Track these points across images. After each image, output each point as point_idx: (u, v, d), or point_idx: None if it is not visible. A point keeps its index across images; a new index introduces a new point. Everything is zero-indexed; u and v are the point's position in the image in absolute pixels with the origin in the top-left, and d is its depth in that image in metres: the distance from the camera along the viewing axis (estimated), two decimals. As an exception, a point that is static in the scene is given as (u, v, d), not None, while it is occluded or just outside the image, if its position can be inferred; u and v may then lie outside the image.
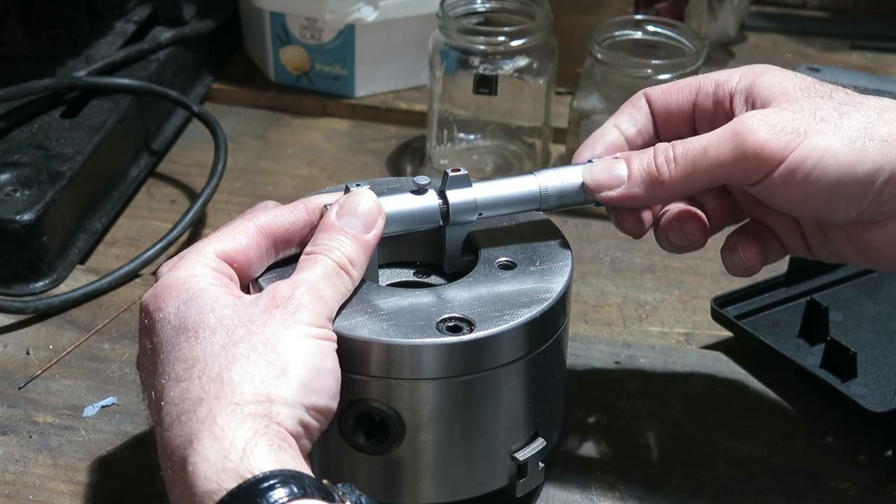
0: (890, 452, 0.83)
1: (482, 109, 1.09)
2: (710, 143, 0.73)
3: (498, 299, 0.73)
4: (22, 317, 0.94)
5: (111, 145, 1.05)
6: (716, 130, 0.73)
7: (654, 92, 0.79)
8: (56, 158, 1.01)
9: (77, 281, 0.98)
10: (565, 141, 1.08)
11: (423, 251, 0.80)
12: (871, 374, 0.87)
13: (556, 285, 0.75)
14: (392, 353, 0.70)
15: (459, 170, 0.75)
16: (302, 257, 0.71)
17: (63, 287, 0.97)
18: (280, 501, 0.60)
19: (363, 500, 0.64)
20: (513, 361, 0.73)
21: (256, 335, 0.66)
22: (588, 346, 0.92)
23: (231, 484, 0.61)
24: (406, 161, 1.13)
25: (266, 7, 1.18)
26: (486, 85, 1.04)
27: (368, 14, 1.16)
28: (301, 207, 0.74)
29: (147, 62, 1.14)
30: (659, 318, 0.95)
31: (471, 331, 0.71)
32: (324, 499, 0.61)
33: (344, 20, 1.16)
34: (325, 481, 0.63)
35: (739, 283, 0.96)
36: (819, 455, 0.84)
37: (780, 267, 0.96)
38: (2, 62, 1.12)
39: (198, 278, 0.69)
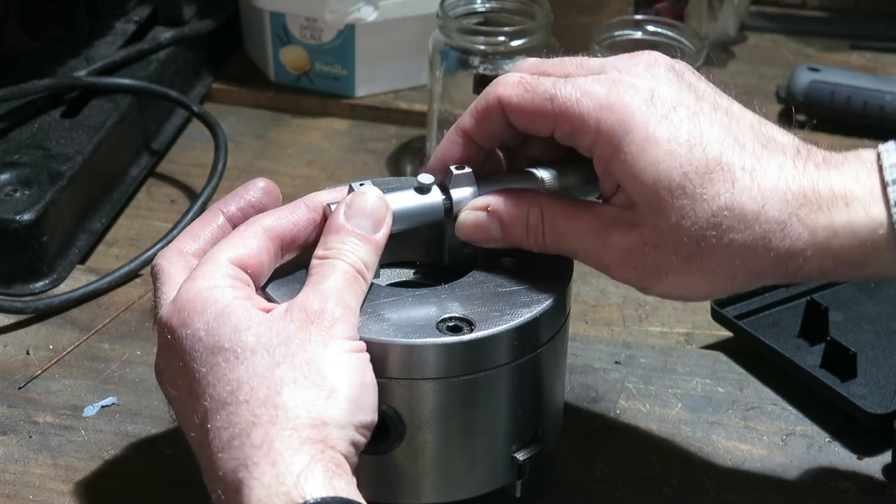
0: (890, 452, 0.83)
1: (482, 109, 1.09)
2: (581, 248, 0.73)
3: (498, 299, 0.73)
4: (22, 317, 0.94)
5: (111, 145, 1.05)
6: (585, 233, 0.73)
7: (511, 109, 0.74)
8: (56, 158, 1.01)
9: (77, 281, 0.98)
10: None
11: (424, 251, 0.80)
12: (871, 374, 0.87)
13: (556, 285, 0.75)
14: (392, 353, 0.70)
15: (464, 167, 0.75)
16: (314, 262, 0.71)
17: (63, 287, 0.97)
18: None
19: None
20: (513, 361, 0.73)
21: (298, 355, 0.66)
22: (588, 346, 0.92)
23: None
24: (406, 161, 1.13)
25: (266, 7, 1.18)
26: (485, 85, 1.04)
27: (368, 14, 1.16)
28: (302, 207, 0.74)
29: (147, 62, 1.14)
30: (659, 318, 0.95)
31: (471, 331, 0.71)
32: None
33: (344, 20, 1.16)
34: None
35: (739, 283, 0.96)
36: (819, 455, 0.84)
37: (780, 267, 0.96)
38: (2, 62, 1.12)
39: (221, 290, 0.68)
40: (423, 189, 0.75)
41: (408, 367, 0.71)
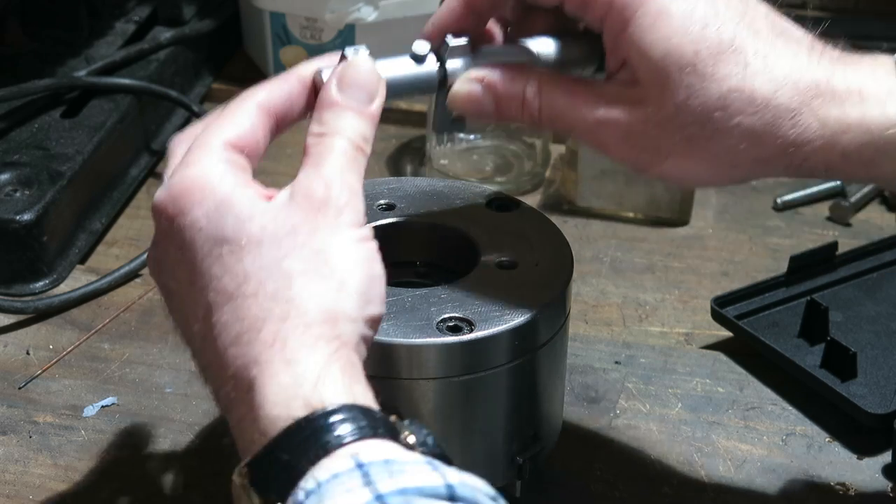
0: (890, 452, 0.83)
1: (482, 109, 1.09)
2: (578, 125, 0.70)
3: (498, 299, 0.73)
4: (22, 317, 0.94)
5: (111, 145, 1.05)
6: (584, 110, 0.70)
7: None
8: (56, 158, 1.01)
9: (77, 281, 0.98)
10: (565, 140, 1.08)
11: (423, 251, 0.80)
12: (871, 374, 0.87)
13: (556, 285, 0.75)
14: (392, 353, 0.70)
15: (461, 37, 0.72)
16: (310, 139, 0.67)
17: (63, 287, 0.97)
18: (346, 439, 0.57)
19: (429, 441, 0.61)
20: (512, 361, 0.73)
21: (306, 246, 0.63)
22: (588, 346, 0.92)
23: (299, 413, 0.58)
24: (406, 161, 1.13)
25: (266, 7, 1.18)
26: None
27: (368, 14, 1.16)
28: (294, 79, 0.71)
29: (147, 62, 1.14)
30: (659, 318, 0.95)
31: (471, 331, 0.71)
32: (390, 438, 0.59)
33: (344, 20, 1.16)
34: (392, 418, 0.61)
35: (739, 283, 0.96)
36: (819, 455, 0.84)
37: (780, 267, 0.96)
38: (2, 62, 1.12)
39: (220, 178, 0.64)
40: (417, 58, 0.72)
41: (407, 367, 0.71)
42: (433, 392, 0.71)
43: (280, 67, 1.20)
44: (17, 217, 0.95)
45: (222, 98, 1.20)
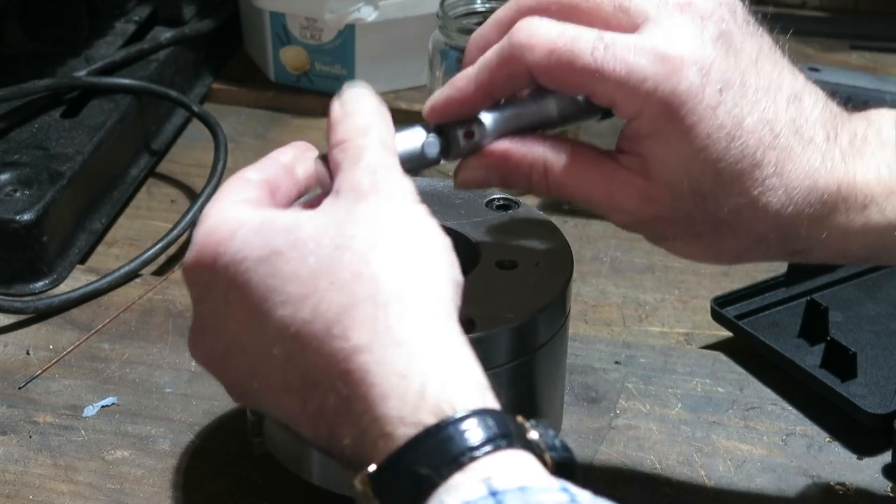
0: (890, 452, 0.83)
1: (482, 109, 1.09)
2: (587, 203, 0.71)
3: (498, 299, 0.73)
4: (22, 317, 0.94)
5: (111, 145, 1.05)
6: (593, 193, 0.70)
7: (542, 76, 0.68)
8: (56, 158, 1.01)
9: (77, 281, 0.98)
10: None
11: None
12: (871, 374, 0.87)
13: (556, 285, 0.75)
14: (392, 353, 0.70)
15: (472, 134, 0.69)
16: (334, 152, 0.63)
17: (63, 287, 0.97)
18: (479, 453, 0.54)
19: (557, 443, 0.57)
20: (512, 361, 0.73)
21: (370, 222, 0.59)
22: (588, 346, 0.92)
23: (428, 419, 0.55)
24: (406, 161, 1.13)
25: (266, 7, 1.18)
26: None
27: (368, 14, 1.16)
28: (273, 162, 0.68)
29: (147, 62, 1.14)
30: (659, 318, 0.95)
31: (470, 331, 0.71)
32: (521, 446, 0.55)
33: (344, 20, 1.16)
34: (518, 418, 0.57)
35: (739, 283, 0.96)
36: (819, 455, 0.84)
37: (780, 267, 0.96)
38: (2, 62, 1.12)
39: (245, 210, 0.62)
40: (424, 147, 0.69)
41: (408, 367, 0.71)
42: (433, 392, 0.71)
43: (280, 67, 1.20)
44: (17, 217, 0.95)
45: (222, 98, 1.21)
